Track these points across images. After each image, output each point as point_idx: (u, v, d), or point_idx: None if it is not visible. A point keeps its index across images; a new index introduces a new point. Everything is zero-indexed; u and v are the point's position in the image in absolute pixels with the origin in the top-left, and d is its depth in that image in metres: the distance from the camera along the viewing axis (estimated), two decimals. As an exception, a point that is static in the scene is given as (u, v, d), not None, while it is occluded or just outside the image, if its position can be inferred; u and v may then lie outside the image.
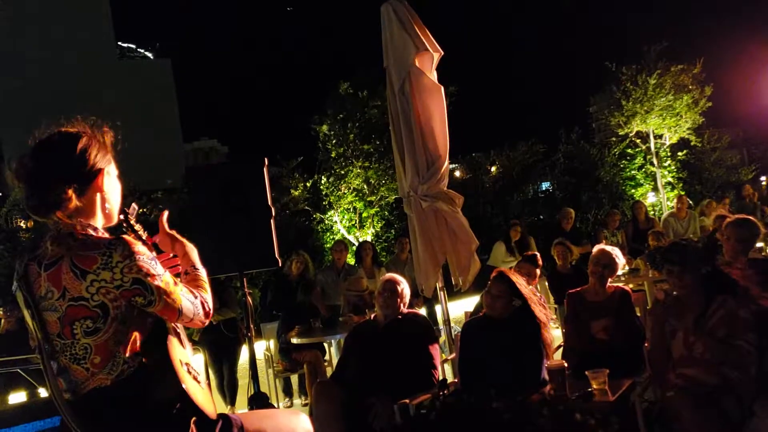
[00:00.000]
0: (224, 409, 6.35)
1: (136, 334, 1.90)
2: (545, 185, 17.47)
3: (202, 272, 2.18)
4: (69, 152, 1.94)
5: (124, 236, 1.92)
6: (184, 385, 1.90)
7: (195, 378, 2.01)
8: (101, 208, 1.99)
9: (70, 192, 1.89)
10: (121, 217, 2.11)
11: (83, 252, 1.83)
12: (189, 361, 2.04)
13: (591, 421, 2.97)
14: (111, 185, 2.03)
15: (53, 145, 1.95)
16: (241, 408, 6.12)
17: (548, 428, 3.01)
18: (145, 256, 1.88)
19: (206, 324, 2.09)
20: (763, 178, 16.27)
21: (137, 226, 2.23)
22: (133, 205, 2.27)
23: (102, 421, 1.87)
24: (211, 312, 2.08)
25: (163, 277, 1.90)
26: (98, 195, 1.98)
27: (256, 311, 9.22)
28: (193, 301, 1.99)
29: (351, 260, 8.63)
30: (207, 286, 2.14)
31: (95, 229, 1.94)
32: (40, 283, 1.86)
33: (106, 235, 1.93)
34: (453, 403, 3.29)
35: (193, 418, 1.93)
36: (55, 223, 1.90)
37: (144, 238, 2.23)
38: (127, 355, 1.87)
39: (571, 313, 4.46)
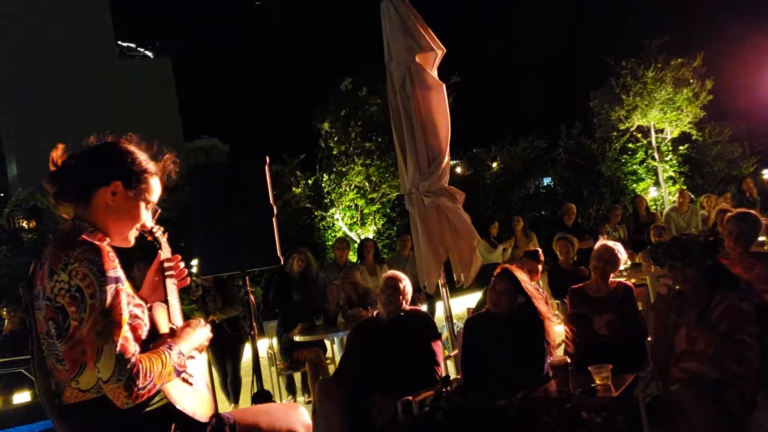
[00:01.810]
0: (228, 407, 6.37)
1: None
2: (546, 181, 17.45)
3: (173, 356, 1.87)
4: (95, 154, 1.98)
5: (99, 243, 1.84)
6: (165, 391, 1.87)
7: (185, 380, 1.99)
8: (108, 220, 1.96)
9: (75, 188, 1.92)
10: (148, 224, 2.10)
11: (58, 252, 1.82)
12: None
13: (597, 420, 2.97)
14: (125, 205, 1.97)
15: (92, 146, 2.01)
16: (245, 406, 6.13)
17: (554, 426, 3.01)
18: (97, 267, 1.76)
19: (124, 404, 1.73)
20: (765, 171, 16.22)
21: (155, 228, 2.22)
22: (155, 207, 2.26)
23: (82, 426, 1.86)
24: (137, 395, 1.73)
25: (110, 305, 1.74)
26: (105, 206, 1.95)
27: (258, 309, 9.23)
28: (122, 359, 1.71)
29: (353, 257, 8.64)
30: (159, 367, 1.80)
31: (94, 233, 1.90)
32: (36, 284, 1.87)
33: (94, 240, 1.87)
34: (459, 402, 3.28)
35: (173, 425, 1.90)
36: (66, 220, 1.94)
37: (163, 241, 2.23)
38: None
39: (573, 308, 4.45)
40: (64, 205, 1.95)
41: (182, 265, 2.28)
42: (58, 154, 1.94)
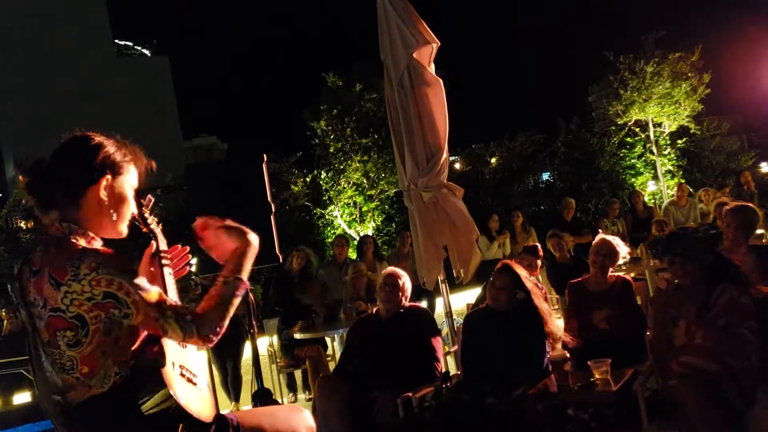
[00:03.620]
0: (229, 405, 6.38)
1: (127, 343, 1.86)
2: (545, 176, 17.46)
3: (232, 286, 1.95)
4: (72, 153, 1.92)
5: (103, 248, 1.85)
6: (171, 391, 1.86)
7: (190, 380, 1.98)
8: (101, 216, 1.93)
9: (63, 193, 1.88)
10: (134, 210, 2.05)
11: (59, 262, 1.79)
12: (185, 362, 2.00)
13: (583, 416, 2.98)
14: (116, 196, 1.96)
15: (62, 145, 1.94)
16: (246, 404, 6.14)
17: (542, 423, 3.01)
18: (116, 270, 1.79)
19: (211, 342, 1.88)
20: (763, 164, 16.24)
21: (150, 219, 2.18)
22: (149, 196, 2.20)
23: (88, 427, 1.85)
24: (214, 336, 1.87)
25: (145, 292, 1.81)
26: (98, 202, 1.92)
27: (257, 307, 9.23)
28: (182, 320, 1.83)
29: (352, 254, 8.64)
30: (226, 304, 1.92)
31: (84, 234, 1.88)
32: (29, 289, 1.84)
33: (91, 245, 1.86)
34: (448, 401, 3.29)
35: (180, 425, 1.88)
36: (52, 223, 1.89)
37: (157, 231, 2.20)
38: (118, 367, 1.84)
39: (572, 303, 4.46)
40: (49, 213, 1.90)
41: (186, 250, 2.26)
42: (27, 163, 1.90)
